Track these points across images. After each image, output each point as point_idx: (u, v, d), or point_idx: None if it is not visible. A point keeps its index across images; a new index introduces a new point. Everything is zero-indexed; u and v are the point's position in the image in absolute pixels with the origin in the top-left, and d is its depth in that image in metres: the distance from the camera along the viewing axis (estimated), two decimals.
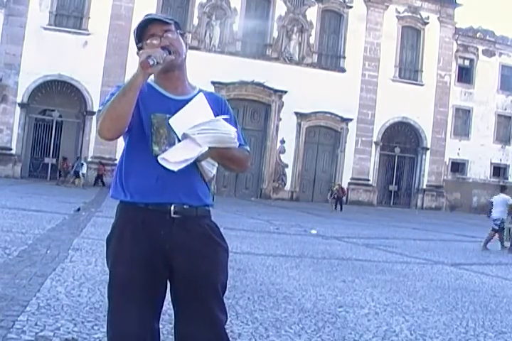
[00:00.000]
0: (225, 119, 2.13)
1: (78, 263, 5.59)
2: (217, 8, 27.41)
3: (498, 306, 5.44)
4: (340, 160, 29.13)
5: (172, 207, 2.04)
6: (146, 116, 2.07)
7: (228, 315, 2.19)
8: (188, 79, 2.22)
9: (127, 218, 2.10)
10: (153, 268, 2.05)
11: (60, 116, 26.51)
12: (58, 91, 25.45)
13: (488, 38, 33.39)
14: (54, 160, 26.37)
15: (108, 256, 2.19)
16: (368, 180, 29.76)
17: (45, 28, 24.92)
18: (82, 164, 23.99)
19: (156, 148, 2.06)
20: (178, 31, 2.15)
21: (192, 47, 26.39)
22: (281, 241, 9.48)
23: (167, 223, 2.04)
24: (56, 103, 25.67)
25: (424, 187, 31.16)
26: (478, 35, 33.25)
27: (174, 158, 2.03)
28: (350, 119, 29.05)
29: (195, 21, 27.16)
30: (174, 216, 2.05)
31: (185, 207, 2.06)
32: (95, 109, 25.47)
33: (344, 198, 25.11)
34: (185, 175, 2.06)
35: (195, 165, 2.08)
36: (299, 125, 28.31)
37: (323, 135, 29.24)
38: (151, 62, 1.96)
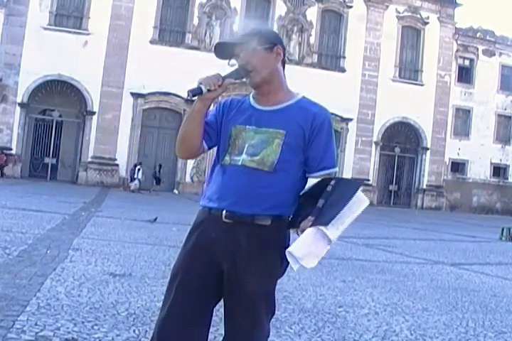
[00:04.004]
0: (315, 137, 2.10)
1: (78, 263, 5.59)
2: (217, 8, 27.41)
3: (498, 306, 5.43)
4: (340, 160, 29.10)
5: (224, 212, 2.08)
6: (227, 128, 2.17)
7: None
8: (286, 88, 2.22)
9: (194, 220, 2.21)
10: (192, 268, 2.11)
11: (60, 116, 26.51)
12: (58, 91, 25.44)
13: (488, 38, 33.38)
14: (54, 160, 26.38)
15: None
16: (368, 180, 29.75)
17: (45, 28, 24.91)
18: (139, 169, 24.48)
19: (227, 158, 2.15)
20: (262, 46, 2.15)
21: (192, 47, 26.44)
22: None
23: (220, 227, 2.09)
24: (56, 103, 25.66)
25: (424, 187, 31.16)
26: (478, 35, 33.24)
27: (307, 257, 1.97)
28: (350, 119, 29.04)
29: (195, 21, 27.15)
30: (226, 220, 2.09)
31: (237, 213, 2.08)
32: (95, 109, 25.54)
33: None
34: (242, 183, 2.08)
35: (255, 173, 2.08)
36: None
37: None
38: (194, 92, 2.05)
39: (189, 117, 2.12)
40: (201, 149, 2.18)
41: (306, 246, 1.96)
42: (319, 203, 1.98)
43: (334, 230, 1.96)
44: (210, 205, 2.14)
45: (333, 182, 2.02)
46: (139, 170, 24.45)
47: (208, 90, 2.06)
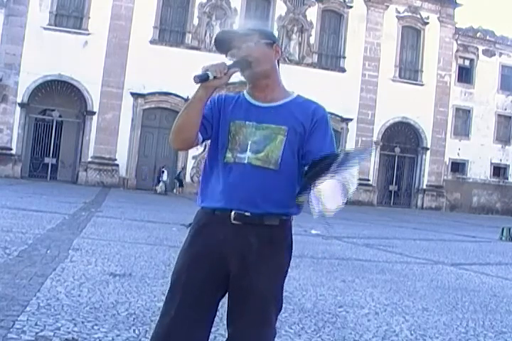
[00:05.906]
0: (314, 130, 2.10)
1: (78, 263, 5.59)
2: (217, 8, 27.42)
3: (498, 306, 5.43)
4: None
5: (232, 213, 2.07)
6: (225, 124, 2.14)
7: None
8: (282, 85, 2.22)
9: (195, 222, 2.18)
10: (198, 271, 2.09)
11: (60, 116, 26.51)
12: (58, 91, 25.45)
13: (488, 38, 33.39)
14: (54, 160, 26.40)
15: None
16: (368, 180, 29.76)
17: (45, 28, 24.92)
18: (163, 171, 25.17)
19: (229, 155, 2.12)
20: (264, 40, 2.16)
21: (192, 47, 26.44)
22: None
23: (228, 228, 2.08)
24: (56, 103, 25.67)
25: (424, 187, 31.16)
26: (478, 35, 33.24)
27: (330, 202, 1.91)
28: (350, 119, 29.05)
29: (195, 21, 27.16)
30: (234, 222, 2.07)
31: (246, 214, 2.07)
32: (95, 109, 25.54)
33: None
34: (250, 182, 2.07)
35: (262, 172, 2.07)
36: None
37: None
38: (201, 78, 2.01)
39: (188, 106, 2.07)
40: (196, 141, 2.14)
41: (328, 188, 1.91)
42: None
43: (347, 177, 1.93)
44: (215, 206, 2.10)
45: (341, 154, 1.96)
46: (163, 172, 25.13)
47: (214, 77, 2.02)
